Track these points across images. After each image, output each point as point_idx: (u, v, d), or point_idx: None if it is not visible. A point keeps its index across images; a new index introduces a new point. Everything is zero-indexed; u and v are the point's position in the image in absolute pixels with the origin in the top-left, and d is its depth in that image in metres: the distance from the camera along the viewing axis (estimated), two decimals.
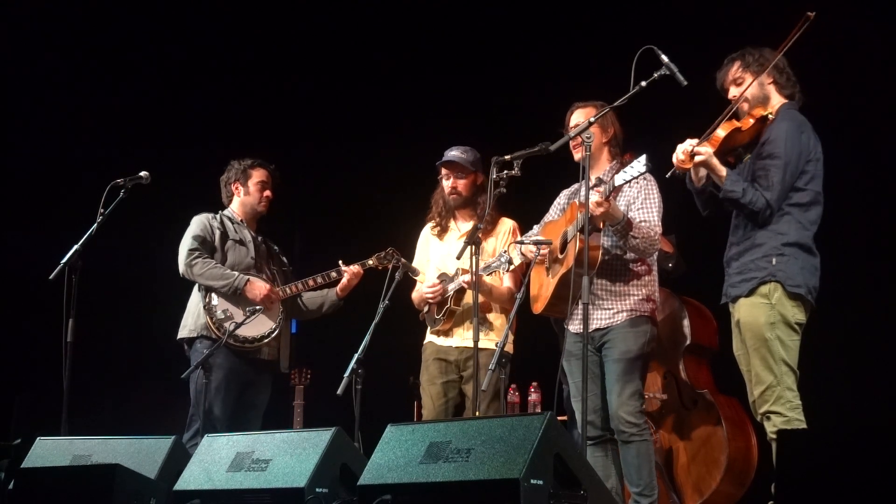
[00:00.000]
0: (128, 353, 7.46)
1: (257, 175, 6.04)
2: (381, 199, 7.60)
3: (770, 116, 4.57)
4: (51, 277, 5.39)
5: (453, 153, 5.58)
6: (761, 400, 4.42)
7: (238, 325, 5.58)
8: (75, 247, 5.42)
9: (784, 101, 4.63)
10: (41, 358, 7.24)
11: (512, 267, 5.24)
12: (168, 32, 8.12)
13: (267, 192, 6.05)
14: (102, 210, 5.51)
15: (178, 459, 4.52)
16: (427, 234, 5.79)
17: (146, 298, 5.91)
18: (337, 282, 5.96)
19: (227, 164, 6.11)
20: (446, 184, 5.61)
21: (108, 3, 7.96)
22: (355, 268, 5.90)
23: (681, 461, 5.80)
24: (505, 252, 5.26)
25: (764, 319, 4.42)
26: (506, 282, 5.50)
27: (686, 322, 5.93)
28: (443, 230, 5.70)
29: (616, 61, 4.72)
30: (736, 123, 4.55)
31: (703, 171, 4.61)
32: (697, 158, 4.41)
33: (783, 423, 4.32)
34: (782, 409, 4.36)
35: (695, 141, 4.47)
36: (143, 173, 5.68)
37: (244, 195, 6.03)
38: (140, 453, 4.56)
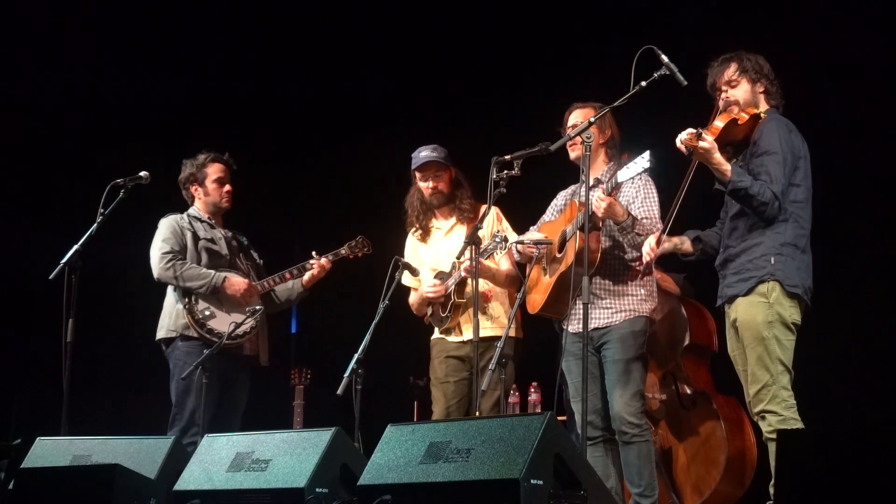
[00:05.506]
0: (128, 353, 7.44)
1: (213, 171, 5.90)
2: (382, 198, 7.58)
3: (763, 115, 4.60)
4: (51, 277, 5.38)
5: (425, 153, 5.55)
6: (756, 399, 4.44)
7: (238, 325, 5.55)
8: (75, 247, 5.41)
9: (769, 108, 4.68)
10: (41, 358, 7.23)
11: (508, 244, 5.19)
12: (167, 32, 8.12)
13: (227, 188, 5.92)
14: (102, 210, 5.50)
15: (177, 459, 4.52)
16: (412, 240, 5.76)
17: (146, 298, 5.90)
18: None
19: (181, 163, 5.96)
20: (425, 185, 5.58)
21: (108, 3, 7.96)
22: (323, 261, 5.87)
23: (680, 461, 5.79)
24: (498, 232, 5.21)
25: (762, 318, 4.43)
26: (504, 265, 5.48)
27: (685, 322, 5.91)
28: (425, 233, 5.69)
29: (616, 61, 4.72)
30: (733, 115, 4.57)
31: (687, 245, 4.73)
32: (702, 144, 4.39)
33: (779, 423, 4.33)
34: (777, 408, 4.38)
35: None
36: (143, 173, 5.66)
37: (204, 195, 5.91)
38: (140, 453, 4.56)
